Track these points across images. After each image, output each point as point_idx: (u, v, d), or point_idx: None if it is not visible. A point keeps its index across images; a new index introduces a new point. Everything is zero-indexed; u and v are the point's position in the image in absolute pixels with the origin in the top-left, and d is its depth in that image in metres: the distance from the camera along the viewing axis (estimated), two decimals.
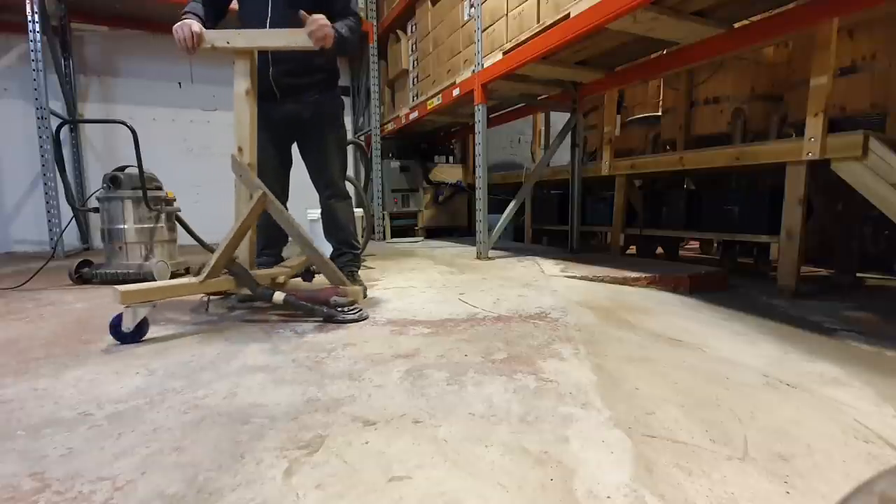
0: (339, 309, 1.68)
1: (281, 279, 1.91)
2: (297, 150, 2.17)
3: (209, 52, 1.67)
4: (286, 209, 2.20)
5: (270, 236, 2.13)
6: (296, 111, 2.01)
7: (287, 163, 2.16)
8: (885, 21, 2.34)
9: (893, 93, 2.34)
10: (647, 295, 2.19)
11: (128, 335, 1.47)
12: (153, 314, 1.84)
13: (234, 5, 2.00)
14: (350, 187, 2.85)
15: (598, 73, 3.15)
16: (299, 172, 2.20)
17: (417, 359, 1.32)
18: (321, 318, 1.68)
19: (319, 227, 2.31)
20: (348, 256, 2.21)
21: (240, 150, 1.72)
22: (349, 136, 4.64)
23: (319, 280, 2.41)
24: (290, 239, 2.22)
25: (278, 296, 1.64)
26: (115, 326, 1.47)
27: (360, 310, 1.73)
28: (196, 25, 1.60)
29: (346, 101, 5.66)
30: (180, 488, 0.74)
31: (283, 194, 2.15)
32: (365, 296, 2.12)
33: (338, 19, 1.75)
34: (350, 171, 4.23)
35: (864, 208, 2.39)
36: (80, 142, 4.54)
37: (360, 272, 2.26)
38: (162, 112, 4.86)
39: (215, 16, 1.88)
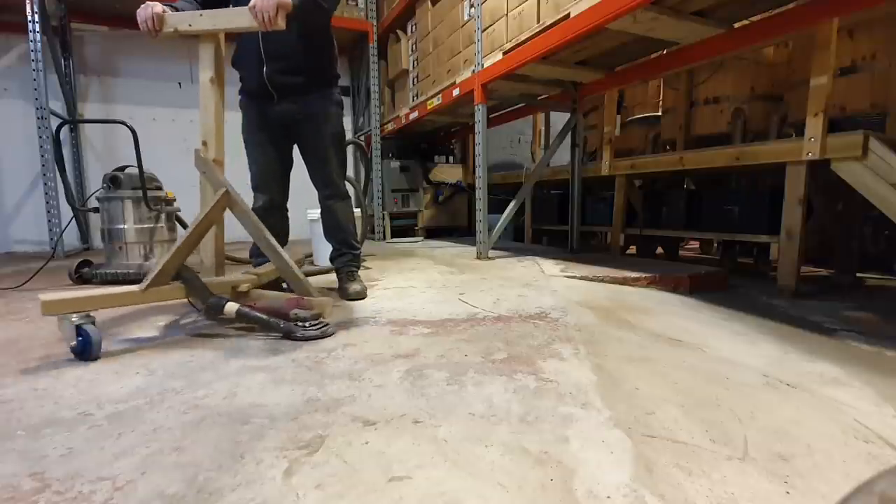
0: (300, 324, 1.49)
1: (243, 287, 1.65)
2: (297, 151, 2.15)
3: (173, 37, 1.53)
4: (286, 210, 2.20)
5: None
6: (293, 111, 1.98)
7: (287, 164, 2.14)
8: (885, 21, 2.34)
9: (893, 93, 2.34)
10: (647, 295, 2.19)
11: (75, 351, 1.31)
12: (148, 318, 1.85)
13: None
14: (349, 188, 2.85)
15: (598, 73, 3.15)
16: (299, 172, 2.19)
17: (417, 359, 1.32)
18: (279, 335, 1.50)
19: (319, 227, 2.30)
20: (348, 257, 2.20)
21: (204, 144, 1.59)
22: (349, 136, 4.65)
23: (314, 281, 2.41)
24: (289, 240, 2.21)
25: (230, 307, 1.46)
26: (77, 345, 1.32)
27: (325, 325, 1.53)
28: (159, 6, 1.49)
29: (346, 100, 5.67)
30: (180, 488, 0.74)
31: (282, 195, 2.13)
32: (363, 297, 2.09)
33: None
34: (350, 171, 4.24)
35: (864, 208, 2.39)
36: (80, 142, 4.54)
37: (359, 272, 2.25)
38: (162, 112, 4.86)
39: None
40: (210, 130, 1.59)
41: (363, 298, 2.09)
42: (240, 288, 1.65)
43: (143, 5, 1.50)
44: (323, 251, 2.64)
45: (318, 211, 2.24)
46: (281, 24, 1.50)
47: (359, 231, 2.50)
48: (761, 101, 2.99)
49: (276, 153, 2.06)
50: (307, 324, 1.50)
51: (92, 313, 1.36)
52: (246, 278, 1.72)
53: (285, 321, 1.50)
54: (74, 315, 1.32)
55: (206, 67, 1.57)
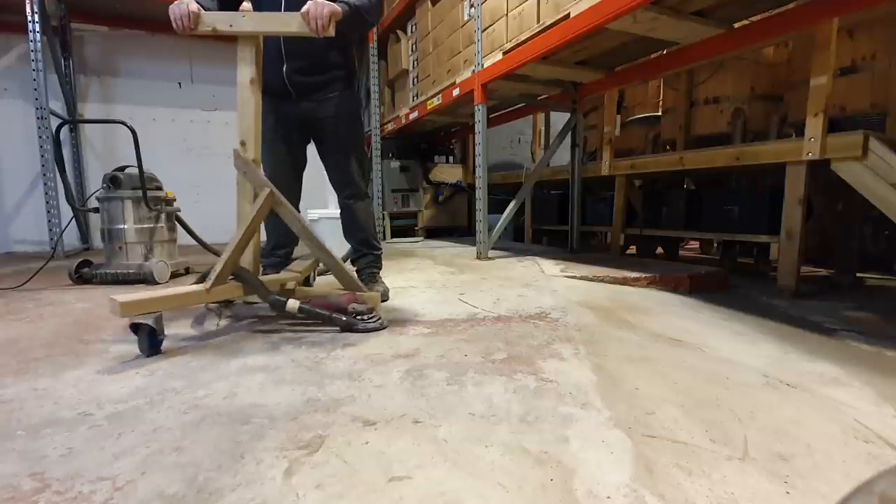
0: (359, 317, 1.58)
1: (290, 285, 1.77)
2: (312, 150, 2.13)
3: (209, 34, 1.52)
4: (298, 211, 2.19)
5: (281, 235, 2.06)
6: (312, 110, 1.95)
7: (300, 163, 2.11)
8: (885, 21, 2.34)
9: (893, 93, 2.34)
10: (647, 295, 2.19)
11: (143, 348, 1.36)
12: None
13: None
14: None
15: (598, 73, 3.15)
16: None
17: (417, 359, 1.32)
18: (339, 328, 1.58)
19: (319, 227, 2.30)
20: (369, 258, 2.16)
21: (243, 144, 1.59)
22: None
23: (323, 281, 2.41)
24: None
25: (292, 304, 1.53)
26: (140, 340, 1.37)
27: (380, 318, 1.62)
28: (194, 4, 1.48)
29: None
30: (180, 488, 0.74)
31: (294, 196, 2.09)
32: (386, 299, 2.06)
33: None
34: None
35: (864, 208, 2.39)
36: (80, 142, 4.54)
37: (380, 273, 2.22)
38: (162, 112, 4.86)
39: (231, 9, 1.83)
40: (249, 130, 1.60)
41: (386, 300, 2.05)
42: (287, 285, 1.75)
43: (176, 2, 1.48)
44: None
45: (319, 211, 2.23)
46: (331, 31, 1.51)
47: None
48: (761, 101, 2.99)
49: (289, 152, 2.04)
50: (365, 317, 1.59)
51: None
52: (292, 276, 1.80)
53: (345, 315, 1.58)
54: (147, 316, 1.35)
55: (245, 68, 1.57)
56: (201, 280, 1.58)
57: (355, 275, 1.72)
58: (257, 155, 1.63)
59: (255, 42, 1.57)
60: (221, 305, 1.90)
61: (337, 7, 1.52)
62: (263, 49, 1.90)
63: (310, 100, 1.95)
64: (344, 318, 1.57)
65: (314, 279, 2.30)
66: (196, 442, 0.88)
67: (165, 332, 1.41)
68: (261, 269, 1.78)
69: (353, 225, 2.15)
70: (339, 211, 2.19)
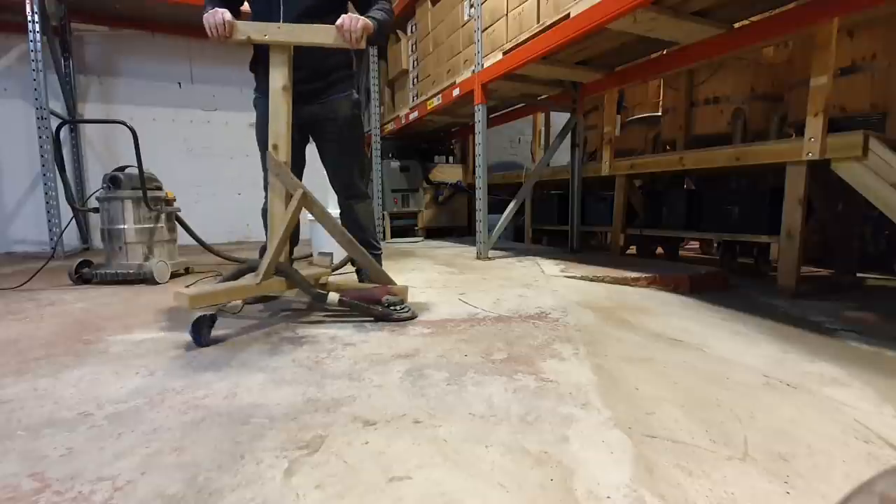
0: (392, 307, 1.71)
1: (323, 280, 1.93)
2: (311, 150, 2.13)
3: (243, 44, 1.61)
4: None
5: None
6: (313, 112, 1.97)
7: (300, 164, 2.12)
8: (885, 21, 2.34)
9: (893, 93, 2.34)
10: (647, 295, 2.19)
11: (203, 338, 1.45)
12: (148, 319, 1.85)
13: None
14: None
15: (598, 73, 3.15)
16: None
17: (417, 359, 1.32)
18: (373, 318, 1.71)
19: (319, 227, 2.29)
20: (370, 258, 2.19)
21: (275, 147, 1.67)
22: None
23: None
24: (300, 237, 2.22)
25: (333, 297, 1.64)
26: (196, 331, 1.44)
27: (410, 308, 1.75)
28: (228, 14, 1.55)
29: None
30: (180, 488, 0.74)
31: None
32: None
33: (371, 7, 1.74)
34: None
35: (864, 208, 2.39)
36: (80, 142, 4.54)
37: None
38: (162, 112, 4.86)
39: (232, 13, 1.85)
40: (281, 135, 1.67)
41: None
42: (320, 280, 1.90)
43: (210, 11, 1.55)
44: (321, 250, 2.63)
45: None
46: (363, 45, 1.59)
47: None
48: (761, 101, 2.99)
49: (292, 156, 2.05)
50: (398, 307, 1.72)
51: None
52: (323, 271, 2.00)
53: (381, 306, 1.71)
54: (209, 308, 1.46)
55: (279, 76, 1.65)
56: (234, 277, 1.68)
57: (381, 269, 1.84)
58: (288, 157, 1.70)
59: (287, 51, 1.64)
60: (222, 307, 1.90)
61: (370, 22, 1.60)
62: (266, 57, 1.92)
63: (311, 103, 1.97)
64: (380, 309, 1.70)
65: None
66: (196, 442, 0.88)
67: (165, 335, 1.42)
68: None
69: (353, 225, 2.15)
70: (339, 211, 2.20)
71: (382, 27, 1.72)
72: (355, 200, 2.11)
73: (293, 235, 2.14)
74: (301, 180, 2.14)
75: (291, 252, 2.19)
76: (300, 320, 1.75)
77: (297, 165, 2.12)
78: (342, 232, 1.77)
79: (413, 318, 1.73)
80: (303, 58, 1.87)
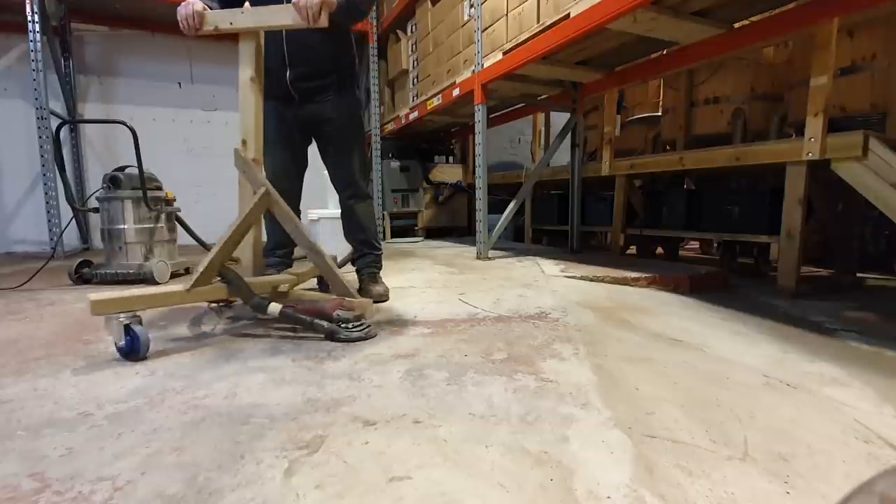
0: (343, 325, 1.50)
1: (284, 287, 1.70)
2: (313, 152, 2.13)
3: (212, 34, 1.53)
4: (299, 212, 2.16)
5: (281, 236, 2.03)
6: (314, 111, 1.96)
7: (302, 165, 2.11)
8: (885, 21, 2.34)
9: (893, 93, 2.34)
10: (648, 295, 2.19)
11: (122, 350, 1.32)
12: (148, 319, 1.85)
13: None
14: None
15: (598, 73, 3.15)
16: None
17: (417, 359, 1.32)
18: (322, 335, 1.51)
19: (319, 227, 2.29)
20: (370, 258, 2.16)
21: (244, 143, 1.59)
22: None
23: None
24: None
25: (273, 307, 1.46)
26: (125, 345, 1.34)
27: (368, 326, 1.54)
28: (199, 4, 1.50)
29: None
30: (180, 488, 0.74)
31: (295, 196, 2.08)
32: (386, 299, 2.04)
33: None
34: None
35: (864, 208, 2.39)
36: (80, 142, 4.54)
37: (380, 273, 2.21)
38: (162, 112, 4.86)
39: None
40: (250, 129, 1.59)
41: (386, 300, 2.05)
42: (280, 288, 1.68)
43: (183, 3, 1.50)
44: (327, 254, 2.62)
45: (319, 211, 2.23)
46: (324, 21, 1.49)
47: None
48: (761, 101, 2.99)
49: (291, 154, 2.04)
50: (350, 325, 1.50)
51: (139, 313, 1.35)
52: (287, 278, 1.74)
53: (329, 322, 1.50)
54: (122, 315, 1.31)
55: (246, 65, 1.56)
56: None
57: (343, 279, 1.67)
58: (258, 154, 1.62)
59: (255, 39, 1.57)
60: (222, 305, 1.89)
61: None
62: (266, 56, 1.90)
63: (313, 102, 1.96)
64: (325, 325, 1.48)
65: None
66: (196, 442, 0.88)
67: (165, 334, 1.40)
68: (262, 269, 1.76)
69: (354, 225, 2.14)
70: (338, 211, 2.19)
71: (349, 4, 1.62)
72: (356, 200, 2.10)
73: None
74: (301, 181, 2.14)
75: (291, 252, 2.19)
76: (266, 335, 1.57)
77: (299, 166, 2.11)
78: (303, 235, 1.64)
79: (366, 338, 1.50)
80: (304, 54, 1.86)
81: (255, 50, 1.57)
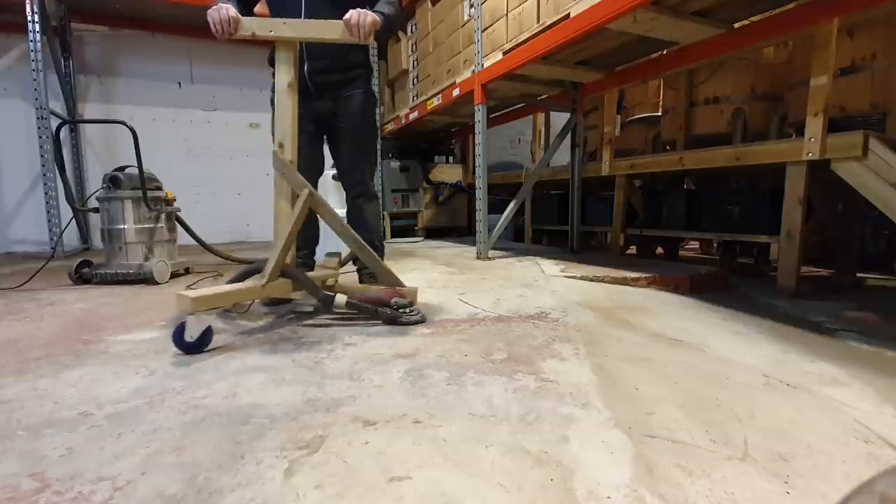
0: (401, 310, 1.65)
1: (330, 282, 1.88)
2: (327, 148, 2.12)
3: (247, 38, 1.56)
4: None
5: (304, 235, 2.02)
6: (330, 108, 1.96)
7: (320, 163, 2.10)
8: (885, 21, 2.34)
9: (893, 93, 2.34)
10: (648, 295, 2.19)
11: (193, 344, 1.37)
12: (147, 319, 1.85)
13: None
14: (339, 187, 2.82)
15: (598, 73, 3.15)
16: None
17: (417, 359, 1.32)
18: (381, 321, 1.65)
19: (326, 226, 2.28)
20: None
21: (280, 145, 1.64)
22: None
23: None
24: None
25: (340, 299, 1.59)
26: (180, 335, 1.36)
27: (419, 311, 1.69)
28: (233, 10, 1.52)
29: None
30: (180, 488, 0.74)
31: None
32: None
33: (377, 1, 1.72)
34: None
35: (864, 208, 2.39)
36: (80, 142, 4.54)
37: None
38: (162, 112, 4.86)
39: (245, 14, 1.84)
40: (287, 133, 1.64)
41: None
42: (327, 282, 1.85)
43: (214, 6, 1.51)
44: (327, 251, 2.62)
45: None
46: (372, 40, 1.57)
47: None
48: (761, 101, 2.99)
49: (310, 152, 2.02)
50: (406, 310, 1.66)
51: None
52: (331, 273, 1.93)
53: (389, 309, 1.65)
54: (203, 312, 1.38)
55: (284, 72, 1.62)
56: (240, 278, 1.63)
57: (390, 270, 1.78)
58: (294, 156, 1.67)
59: (293, 47, 1.62)
60: (227, 309, 1.89)
61: (378, 17, 1.57)
62: None
63: (328, 98, 1.96)
64: (389, 312, 1.64)
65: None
66: (196, 442, 0.88)
67: (165, 334, 1.41)
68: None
69: (359, 225, 2.12)
70: (339, 211, 2.18)
71: (390, 22, 1.70)
72: (364, 200, 2.09)
73: (314, 235, 2.12)
74: (316, 179, 2.12)
75: (314, 252, 2.18)
76: (304, 322, 1.72)
77: (317, 165, 2.09)
78: (351, 234, 1.74)
79: (422, 321, 1.67)
80: (322, 48, 1.86)
81: (293, 59, 1.62)
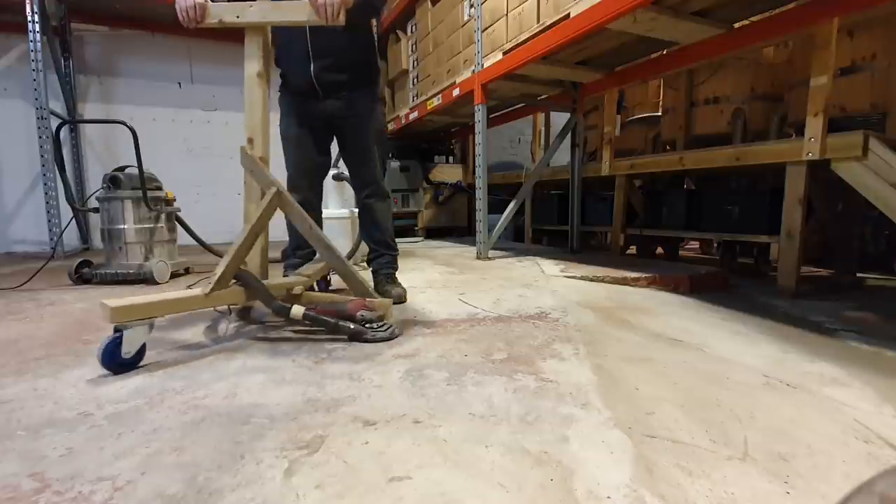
0: (367, 325, 1.48)
1: (298, 290, 1.67)
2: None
3: (215, 27, 1.47)
4: (321, 212, 2.10)
5: (301, 236, 1.95)
6: (337, 108, 1.94)
7: (326, 164, 2.09)
8: (885, 21, 2.34)
9: (893, 93, 2.34)
10: (648, 295, 2.19)
11: (126, 362, 1.22)
12: None
13: None
14: (345, 186, 2.81)
15: (598, 73, 3.15)
16: None
17: (417, 359, 1.32)
18: (345, 337, 1.49)
19: (326, 226, 2.26)
20: (386, 258, 2.12)
21: (250, 141, 1.52)
22: None
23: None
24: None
25: (297, 310, 1.43)
26: (111, 353, 1.20)
27: (391, 326, 1.51)
28: None
29: None
30: (180, 488, 0.74)
31: (318, 197, 2.06)
32: (403, 300, 2.00)
33: None
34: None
35: (864, 208, 2.39)
36: (80, 142, 4.54)
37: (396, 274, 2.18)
38: (162, 112, 4.86)
39: None
40: (256, 127, 1.53)
41: (404, 302, 2.00)
42: (294, 290, 1.65)
43: None
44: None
45: (326, 211, 2.19)
46: (342, 20, 1.47)
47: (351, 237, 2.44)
48: (761, 101, 2.99)
49: (317, 152, 2.01)
50: (374, 325, 1.49)
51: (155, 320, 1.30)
52: (299, 280, 1.70)
53: (353, 323, 1.48)
54: (138, 324, 1.23)
55: (252, 60, 1.51)
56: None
57: (366, 278, 1.66)
58: (265, 152, 1.57)
59: (262, 34, 1.52)
60: (223, 311, 1.86)
61: None
62: (291, 50, 1.87)
63: (336, 98, 1.93)
64: (351, 327, 1.47)
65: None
66: (196, 442, 0.88)
67: (165, 334, 1.39)
68: (268, 272, 1.71)
69: (371, 224, 2.11)
70: (339, 211, 2.18)
71: (365, 3, 1.62)
72: (376, 199, 2.07)
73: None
74: (322, 180, 2.09)
75: (313, 252, 2.14)
76: (305, 323, 1.52)
77: (320, 164, 2.07)
78: (318, 237, 1.62)
79: (392, 337, 1.49)
80: (329, 48, 1.83)
81: (263, 45, 1.52)
